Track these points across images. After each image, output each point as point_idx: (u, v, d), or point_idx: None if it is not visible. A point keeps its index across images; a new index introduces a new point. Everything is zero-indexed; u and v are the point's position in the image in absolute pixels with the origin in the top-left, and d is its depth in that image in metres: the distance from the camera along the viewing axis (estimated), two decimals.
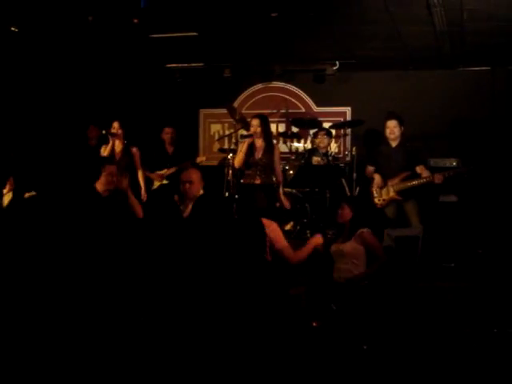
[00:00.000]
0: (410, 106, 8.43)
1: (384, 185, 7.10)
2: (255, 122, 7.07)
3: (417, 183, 6.97)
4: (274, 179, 7.08)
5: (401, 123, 7.16)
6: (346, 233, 5.71)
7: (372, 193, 7.18)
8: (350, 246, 5.59)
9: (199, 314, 4.36)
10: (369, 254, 5.59)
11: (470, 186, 7.34)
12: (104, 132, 7.55)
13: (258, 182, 6.97)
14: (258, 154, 7.05)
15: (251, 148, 7.06)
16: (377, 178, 7.18)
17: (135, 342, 4.02)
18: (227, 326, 4.29)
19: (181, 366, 3.99)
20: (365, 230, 5.63)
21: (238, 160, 7.10)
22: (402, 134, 7.18)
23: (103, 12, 6.45)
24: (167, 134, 8.39)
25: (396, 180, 7.02)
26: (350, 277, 5.47)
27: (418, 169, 7.07)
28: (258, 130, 7.03)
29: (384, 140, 7.28)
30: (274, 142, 7.65)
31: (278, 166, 7.23)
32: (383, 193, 7.10)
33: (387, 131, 7.19)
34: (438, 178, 6.90)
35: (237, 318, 4.36)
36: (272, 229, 5.03)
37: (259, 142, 7.08)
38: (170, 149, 8.41)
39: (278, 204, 7.12)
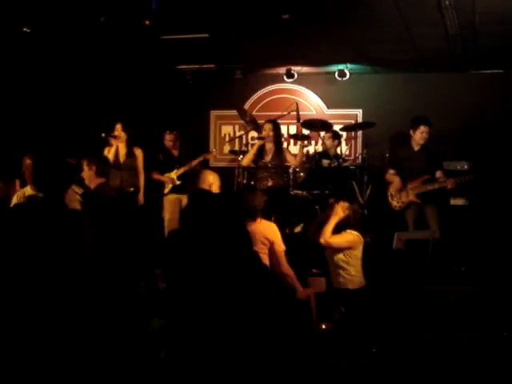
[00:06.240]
0: (422, 108, 8.37)
1: (403, 187, 7.07)
2: (268, 127, 7.36)
3: (432, 187, 6.95)
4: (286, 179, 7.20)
5: (430, 128, 7.16)
6: None
7: (390, 195, 7.15)
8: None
9: (206, 316, 4.35)
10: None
11: (480, 189, 7.30)
12: (103, 135, 7.59)
13: (270, 184, 7.10)
14: (268, 157, 7.28)
15: (261, 151, 7.26)
16: (396, 180, 7.15)
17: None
18: (235, 329, 4.28)
19: (189, 369, 3.98)
20: None
21: (246, 159, 7.39)
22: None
23: (115, 13, 6.47)
24: (168, 141, 8.18)
25: (416, 183, 6.99)
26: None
27: (437, 173, 7.05)
28: (271, 134, 7.32)
29: (405, 142, 7.25)
30: (285, 145, 7.77)
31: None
32: (402, 195, 7.07)
33: (418, 136, 7.15)
34: (451, 184, 6.88)
35: (244, 320, 4.35)
36: (272, 230, 5.02)
37: (269, 146, 7.35)
38: (175, 151, 8.26)
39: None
